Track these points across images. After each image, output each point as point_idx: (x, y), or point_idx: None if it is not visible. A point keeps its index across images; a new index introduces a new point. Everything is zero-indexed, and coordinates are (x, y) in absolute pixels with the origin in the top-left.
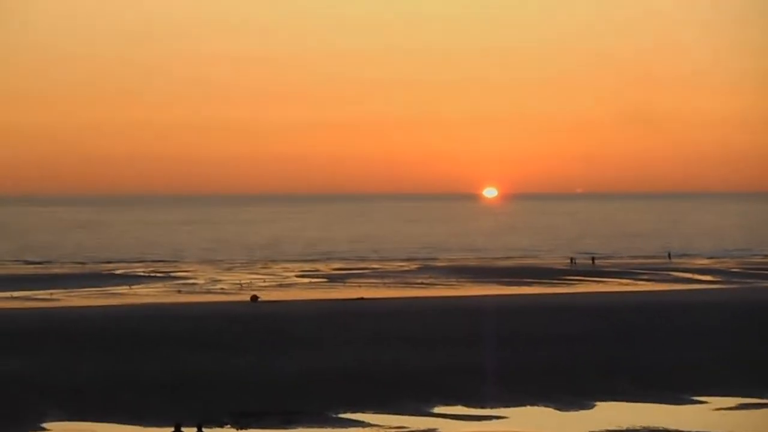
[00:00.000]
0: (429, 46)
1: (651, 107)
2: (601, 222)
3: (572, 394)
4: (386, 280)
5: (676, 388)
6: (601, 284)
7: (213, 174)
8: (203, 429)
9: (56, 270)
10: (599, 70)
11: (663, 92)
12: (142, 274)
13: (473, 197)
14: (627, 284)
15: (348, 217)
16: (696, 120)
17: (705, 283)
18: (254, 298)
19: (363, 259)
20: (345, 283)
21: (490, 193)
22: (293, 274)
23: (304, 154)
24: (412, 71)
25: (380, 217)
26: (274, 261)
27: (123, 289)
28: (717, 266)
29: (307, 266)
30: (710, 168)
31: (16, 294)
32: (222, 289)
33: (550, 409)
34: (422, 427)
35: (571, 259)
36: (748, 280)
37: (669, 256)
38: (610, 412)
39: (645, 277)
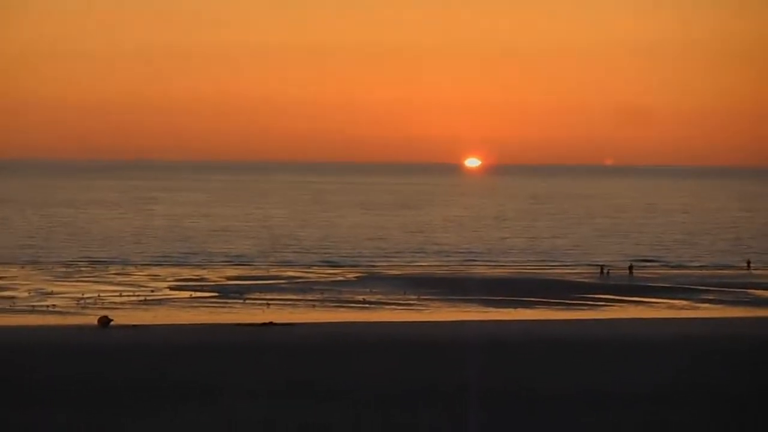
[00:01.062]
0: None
1: None
2: (639, 209)
3: None
4: (309, 297)
5: None
6: (643, 307)
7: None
8: None
9: None
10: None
11: None
12: None
13: (452, 168)
14: (684, 308)
15: (274, 196)
16: None
17: None
18: (104, 320)
19: (277, 263)
20: (245, 299)
21: (472, 163)
22: (165, 284)
23: None
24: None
25: (328, 198)
26: (135, 264)
27: None
28: None
29: (186, 272)
30: None
31: None
32: (54, 306)
33: None
34: None
35: (601, 267)
36: None
37: (748, 265)
38: None
39: (710, 296)
